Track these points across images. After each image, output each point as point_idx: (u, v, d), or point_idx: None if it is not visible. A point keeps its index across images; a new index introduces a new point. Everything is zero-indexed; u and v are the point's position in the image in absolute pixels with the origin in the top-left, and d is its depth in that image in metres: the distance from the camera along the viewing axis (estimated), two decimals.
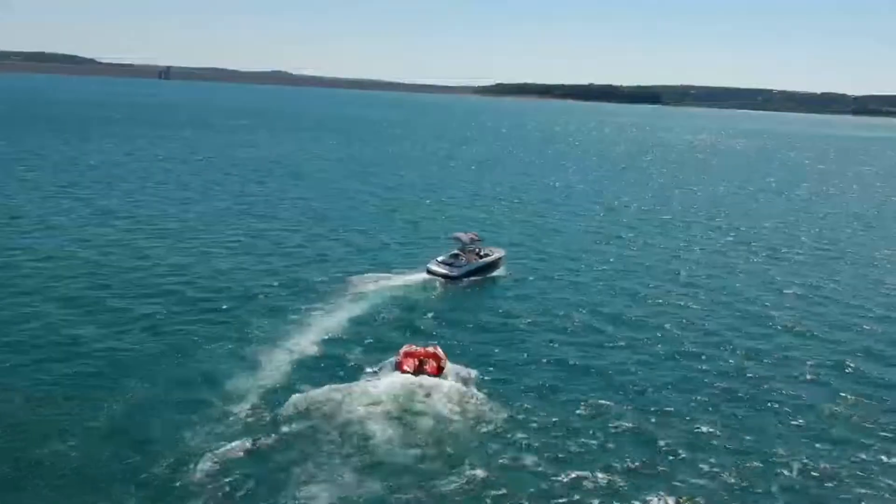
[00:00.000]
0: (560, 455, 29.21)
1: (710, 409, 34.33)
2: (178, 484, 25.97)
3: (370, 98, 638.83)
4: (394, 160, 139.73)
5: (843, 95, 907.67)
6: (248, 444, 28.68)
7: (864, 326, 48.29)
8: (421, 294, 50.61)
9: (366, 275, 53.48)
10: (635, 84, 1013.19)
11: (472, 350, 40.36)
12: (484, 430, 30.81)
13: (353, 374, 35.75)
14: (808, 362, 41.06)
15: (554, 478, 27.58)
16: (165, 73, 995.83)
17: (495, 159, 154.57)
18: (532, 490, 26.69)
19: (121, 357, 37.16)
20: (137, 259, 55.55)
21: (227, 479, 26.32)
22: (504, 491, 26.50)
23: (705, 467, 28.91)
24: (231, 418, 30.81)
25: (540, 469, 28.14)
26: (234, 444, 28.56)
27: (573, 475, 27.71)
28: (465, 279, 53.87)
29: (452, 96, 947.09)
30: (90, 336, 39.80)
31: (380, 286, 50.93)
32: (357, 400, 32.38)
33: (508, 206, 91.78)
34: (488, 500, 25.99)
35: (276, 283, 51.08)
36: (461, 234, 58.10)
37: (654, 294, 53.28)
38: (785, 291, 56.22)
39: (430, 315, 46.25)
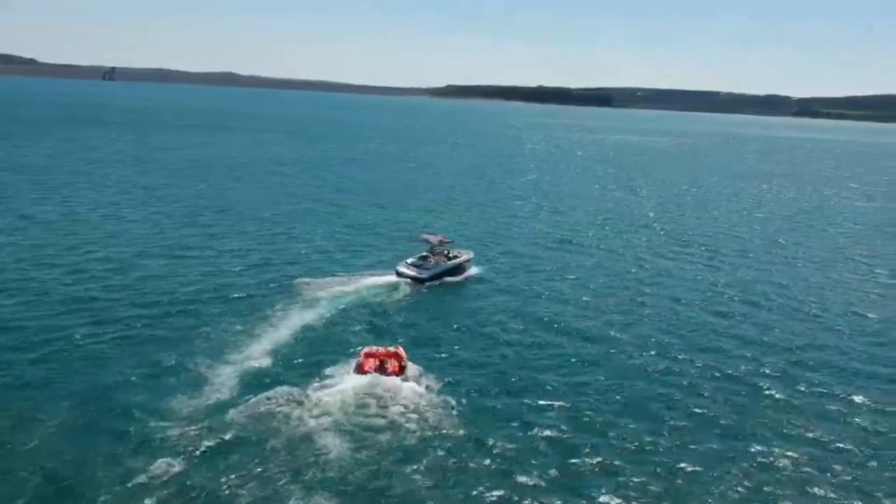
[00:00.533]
0: (518, 457, 28.60)
1: (662, 418, 33.25)
2: None
3: (320, 99, 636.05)
4: (350, 162, 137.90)
5: (787, 98, 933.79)
6: (190, 457, 27.12)
7: (803, 326, 48.09)
8: (388, 296, 49.75)
9: (332, 277, 52.35)
10: (586, 86, 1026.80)
11: (436, 351, 39.60)
12: (443, 431, 30.08)
13: (313, 376, 34.65)
14: (742, 365, 40.30)
15: (511, 480, 26.98)
16: (110, 74, 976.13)
17: (452, 161, 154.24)
18: (488, 495, 26.02)
19: (51, 370, 34.60)
20: (71, 268, 51.82)
21: (165, 498, 24.73)
22: (461, 496, 25.92)
23: (650, 470, 28.40)
24: (171, 432, 28.84)
25: (498, 472, 27.50)
26: (173, 460, 26.83)
27: (530, 478, 27.13)
28: (434, 281, 53.08)
29: (404, 98, 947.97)
30: (16, 346, 37.13)
31: (347, 288, 49.98)
32: (313, 404, 31.46)
33: (470, 208, 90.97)
34: None
35: (231, 288, 49.33)
36: (429, 236, 57.45)
37: (618, 295, 52.97)
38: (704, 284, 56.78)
39: (395, 316, 45.48)
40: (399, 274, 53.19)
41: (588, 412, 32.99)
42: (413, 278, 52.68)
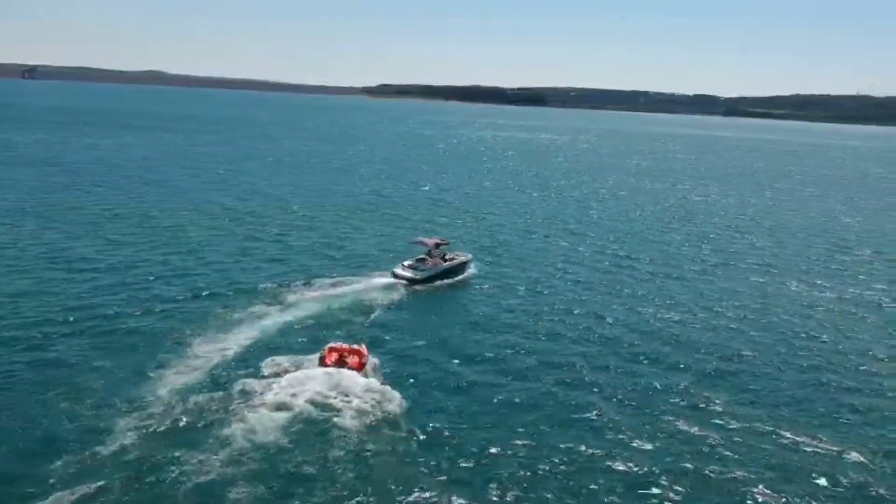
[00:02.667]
0: (453, 458, 28.68)
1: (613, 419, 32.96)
2: None
3: (252, 98, 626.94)
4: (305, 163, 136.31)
5: (715, 97, 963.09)
6: (140, 440, 28.14)
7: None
8: (380, 297, 49.89)
9: (329, 278, 52.88)
10: (520, 86, 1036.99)
11: (405, 351, 39.94)
12: (383, 427, 30.56)
13: (279, 367, 35.62)
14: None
15: (434, 478, 27.13)
16: (31, 72, 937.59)
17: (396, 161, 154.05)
18: (430, 496, 26.10)
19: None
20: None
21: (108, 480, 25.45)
22: (378, 488, 26.30)
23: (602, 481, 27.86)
24: (126, 418, 29.99)
25: (441, 473, 27.62)
26: (121, 443, 27.80)
27: (471, 481, 27.17)
28: (430, 283, 53.39)
29: (340, 97, 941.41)
30: None
31: (341, 290, 50.50)
32: (267, 392, 32.50)
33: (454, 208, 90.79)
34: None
35: (215, 286, 49.80)
36: (425, 239, 58.04)
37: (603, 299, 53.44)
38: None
39: (379, 316, 45.76)
40: (395, 275, 53.47)
41: (540, 423, 32.27)
42: (408, 280, 52.99)
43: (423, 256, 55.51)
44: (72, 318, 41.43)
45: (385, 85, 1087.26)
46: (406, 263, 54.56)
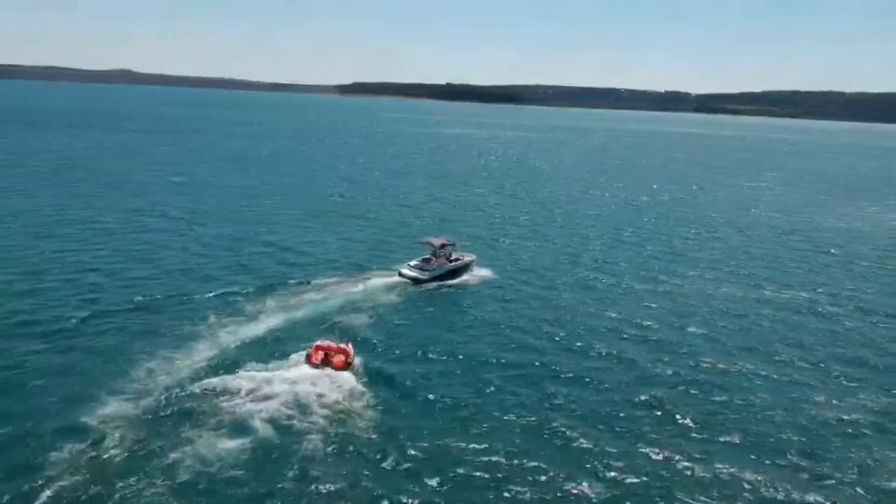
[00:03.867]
0: (426, 460, 28.64)
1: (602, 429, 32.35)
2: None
3: (227, 98, 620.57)
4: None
5: (686, 94, 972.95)
6: (121, 429, 28.93)
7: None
8: (380, 297, 50.04)
9: (335, 277, 53.36)
10: (494, 84, 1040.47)
11: (396, 351, 39.94)
12: (360, 426, 30.85)
13: (267, 365, 36.09)
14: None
15: (404, 480, 27.30)
16: None
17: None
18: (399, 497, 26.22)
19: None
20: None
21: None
22: (343, 487, 26.50)
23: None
24: (114, 407, 30.88)
25: (395, 472, 27.82)
26: (105, 432, 28.61)
27: (428, 481, 27.24)
28: (435, 283, 53.57)
29: (312, 95, 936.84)
30: None
31: (346, 289, 50.87)
32: (250, 387, 33.12)
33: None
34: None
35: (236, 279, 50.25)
36: (432, 239, 58.27)
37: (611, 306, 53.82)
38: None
39: (379, 317, 45.75)
40: (401, 275, 53.91)
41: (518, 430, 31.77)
42: (413, 279, 53.39)
43: (428, 257, 55.70)
44: (31, 329, 40.34)
45: (358, 83, 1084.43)
46: (412, 263, 54.80)
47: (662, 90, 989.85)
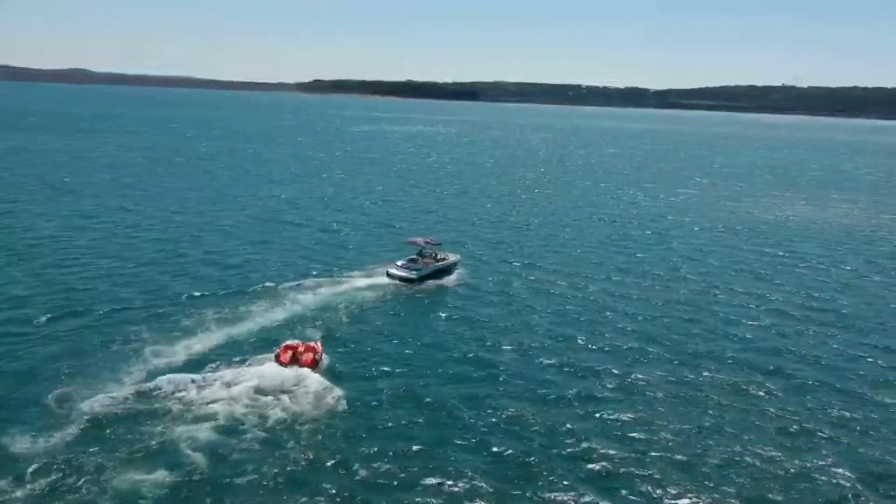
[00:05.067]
0: (389, 461, 28.61)
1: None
2: None
3: (181, 96, 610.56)
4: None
5: (646, 90, 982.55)
6: (82, 429, 29.32)
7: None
8: (370, 297, 50.02)
9: (325, 277, 53.39)
10: (454, 81, 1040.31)
11: (374, 349, 40.18)
12: (322, 423, 31.10)
13: (237, 364, 36.44)
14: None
15: (360, 479, 27.26)
16: None
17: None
18: (352, 493, 26.32)
19: None
20: None
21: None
22: (303, 484, 26.63)
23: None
24: (83, 404, 31.18)
25: (373, 470, 27.83)
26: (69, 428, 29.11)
27: (387, 481, 27.26)
28: (423, 282, 53.53)
29: (271, 93, 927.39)
30: None
31: (334, 289, 50.92)
32: (215, 386, 33.40)
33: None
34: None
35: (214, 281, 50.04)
36: (417, 239, 58.34)
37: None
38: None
39: (359, 317, 45.72)
40: (389, 275, 53.88)
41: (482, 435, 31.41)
42: (402, 279, 53.55)
43: (414, 257, 55.78)
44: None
45: (318, 80, 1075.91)
46: (399, 263, 54.68)
47: (623, 86, 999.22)
